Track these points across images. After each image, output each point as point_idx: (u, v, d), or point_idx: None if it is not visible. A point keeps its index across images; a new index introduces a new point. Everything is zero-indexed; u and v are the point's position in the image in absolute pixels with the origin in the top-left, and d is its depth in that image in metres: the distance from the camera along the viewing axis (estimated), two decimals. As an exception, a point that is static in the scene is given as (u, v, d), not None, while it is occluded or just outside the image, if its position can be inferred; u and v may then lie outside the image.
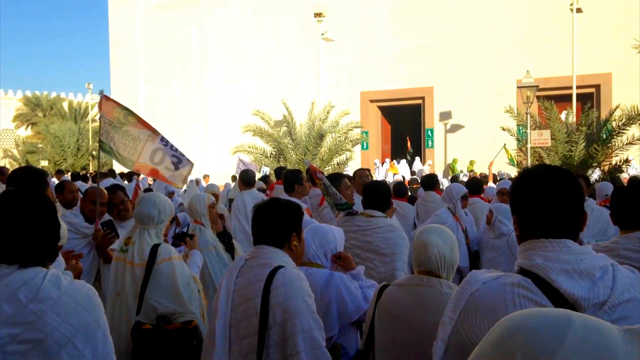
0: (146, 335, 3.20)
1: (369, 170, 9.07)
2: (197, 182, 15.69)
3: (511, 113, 15.08)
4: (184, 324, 3.31)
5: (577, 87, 17.75)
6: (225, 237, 4.80)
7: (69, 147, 33.66)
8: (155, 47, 27.04)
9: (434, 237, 2.53)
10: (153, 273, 3.36)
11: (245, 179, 7.38)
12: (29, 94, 44.00)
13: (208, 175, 20.16)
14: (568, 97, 17.80)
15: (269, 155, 17.52)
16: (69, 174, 20.28)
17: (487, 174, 15.59)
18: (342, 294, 2.93)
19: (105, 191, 4.86)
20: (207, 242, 4.58)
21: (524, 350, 0.84)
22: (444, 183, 14.35)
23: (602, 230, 5.63)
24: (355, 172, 7.46)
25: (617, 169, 13.51)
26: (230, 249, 4.76)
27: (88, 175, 18.79)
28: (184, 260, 3.76)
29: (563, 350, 0.82)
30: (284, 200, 2.81)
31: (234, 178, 15.28)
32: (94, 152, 30.36)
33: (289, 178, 6.12)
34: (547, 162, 13.41)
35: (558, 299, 1.52)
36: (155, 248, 3.41)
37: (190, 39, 26.37)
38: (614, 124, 13.77)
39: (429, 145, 23.26)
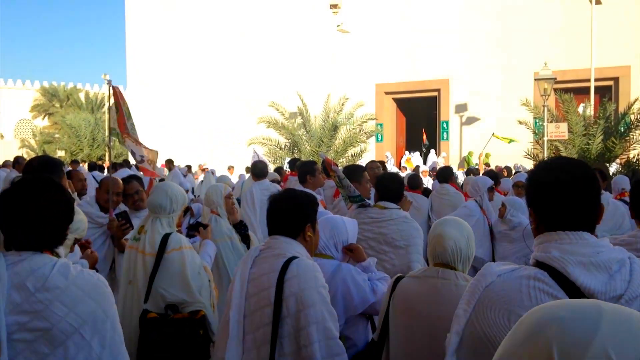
0: (152, 324, 3.23)
1: (381, 162, 9.04)
2: (213, 172, 15.78)
3: (528, 106, 14.93)
4: (192, 314, 3.33)
5: (595, 80, 17.50)
6: (241, 228, 4.82)
7: (85, 138, 34.01)
8: (172, 37, 27.09)
9: (451, 230, 2.51)
10: (162, 262, 3.38)
11: (255, 170, 7.39)
12: (46, 84, 44.36)
13: (232, 167, 20.27)
14: (586, 90, 17.57)
15: (283, 147, 17.54)
16: (85, 164, 20.47)
17: (502, 167, 15.48)
18: (348, 285, 2.91)
19: (120, 181, 4.90)
20: (222, 233, 4.59)
21: (559, 340, 0.84)
22: (459, 176, 14.28)
23: (617, 225, 5.58)
24: (366, 165, 7.45)
25: (635, 162, 13.33)
26: (246, 239, 4.78)
27: (104, 165, 18.97)
28: (197, 251, 3.79)
29: (598, 338, 0.82)
30: (299, 191, 2.81)
31: (247, 170, 15.35)
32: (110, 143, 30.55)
33: (302, 169, 6.12)
34: (564, 155, 13.27)
35: (574, 292, 1.50)
36: (165, 237, 3.44)
37: (206, 29, 26.39)
38: (632, 117, 13.59)
39: (444, 138, 23.11)
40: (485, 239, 5.93)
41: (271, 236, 2.61)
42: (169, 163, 17.16)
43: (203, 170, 19.89)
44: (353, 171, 5.42)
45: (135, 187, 4.94)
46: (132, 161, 17.70)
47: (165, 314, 3.32)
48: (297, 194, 2.70)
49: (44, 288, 1.82)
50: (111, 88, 5.00)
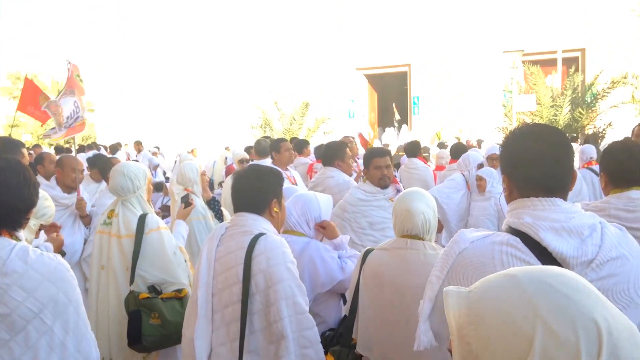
0: (146, 305, 3.18)
1: (353, 138, 9.04)
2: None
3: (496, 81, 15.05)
4: (176, 292, 3.30)
5: (563, 52, 17.70)
6: (214, 205, 4.80)
7: (52, 121, 33.13)
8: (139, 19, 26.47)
9: (420, 204, 2.52)
10: (142, 243, 3.33)
11: (258, 148, 7.19)
12: (11, 70, 43.10)
13: (195, 149, 19.99)
14: (553, 62, 17.78)
15: (255, 125, 17.43)
16: (52, 147, 20.03)
17: (472, 141, 15.63)
18: (316, 263, 2.90)
19: (80, 160, 4.83)
20: (197, 212, 4.60)
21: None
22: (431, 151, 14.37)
23: (576, 191, 5.68)
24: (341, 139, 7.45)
25: (603, 132, 13.61)
26: (219, 215, 4.76)
27: (70, 148, 18.57)
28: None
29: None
30: (263, 166, 2.77)
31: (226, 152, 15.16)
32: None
33: (263, 147, 6.13)
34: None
35: (546, 257, 1.51)
36: (142, 218, 3.38)
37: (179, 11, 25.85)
38: (598, 87, 13.82)
39: (416, 113, 23.21)
40: (466, 214, 6.00)
41: (236, 213, 2.56)
42: (138, 144, 16.90)
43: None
44: (336, 149, 5.37)
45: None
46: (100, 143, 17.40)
47: (154, 294, 3.27)
48: (262, 169, 2.65)
49: (1, 273, 1.77)
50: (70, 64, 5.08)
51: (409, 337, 2.32)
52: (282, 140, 6.23)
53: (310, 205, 3.06)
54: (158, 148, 19.13)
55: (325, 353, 2.54)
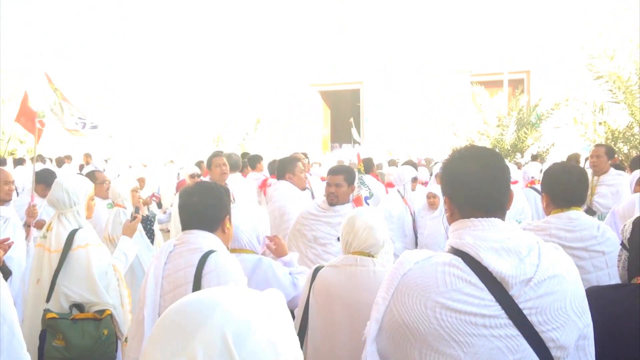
0: (51, 325, 3.07)
1: (305, 154, 9.08)
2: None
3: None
4: (97, 313, 3.20)
5: (509, 73, 18.32)
6: (146, 223, 4.76)
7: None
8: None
9: (369, 222, 2.56)
10: (67, 259, 3.23)
11: (230, 162, 7.08)
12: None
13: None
14: (499, 83, 18.36)
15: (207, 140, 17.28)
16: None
17: (422, 159, 15.90)
18: (269, 280, 2.88)
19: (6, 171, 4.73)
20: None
21: (229, 322, 0.90)
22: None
23: (519, 210, 5.85)
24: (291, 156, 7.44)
25: (545, 152, 14.10)
26: (150, 234, 4.70)
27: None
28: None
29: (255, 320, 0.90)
30: (213, 183, 2.76)
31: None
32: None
33: (234, 161, 6.22)
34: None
35: (487, 276, 1.54)
36: (72, 234, 3.28)
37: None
38: (542, 109, 14.34)
39: (368, 129, 23.45)
40: (409, 229, 6.03)
41: (185, 231, 2.51)
42: (87, 157, 16.43)
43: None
44: (287, 162, 5.43)
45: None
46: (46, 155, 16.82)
47: (68, 313, 3.16)
48: (213, 186, 2.62)
49: None
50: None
51: (357, 354, 2.34)
52: (214, 155, 6.15)
53: (259, 220, 3.05)
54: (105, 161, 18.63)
55: None
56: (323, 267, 2.65)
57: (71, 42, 23.75)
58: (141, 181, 6.53)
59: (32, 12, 23.67)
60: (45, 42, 23.54)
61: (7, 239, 3.52)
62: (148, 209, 6.53)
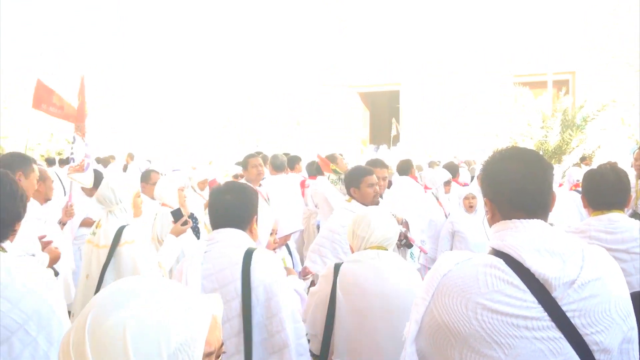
0: None
1: (341, 154, 9.12)
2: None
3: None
4: None
5: (553, 74, 17.89)
6: (192, 221, 4.80)
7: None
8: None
9: (385, 217, 2.76)
10: (115, 255, 3.33)
11: (276, 162, 7.12)
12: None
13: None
14: (544, 85, 17.96)
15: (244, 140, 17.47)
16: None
17: (464, 161, 15.71)
18: None
19: (45, 169, 4.86)
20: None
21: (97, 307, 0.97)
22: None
23: (562, 212, 5.71)
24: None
25: (591, 154, 13.74)
26: (196, 232, 4.76)
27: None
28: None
29: (124, 310, 0.95)
30: (240, 183, 2.85)
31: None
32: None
33: (280, 162, 6.31)
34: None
35: (529, 278, 1.53)
36: (120, 230, 3.39)
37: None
38: (588, 110, 13.97)
39: (407, 131, 23.28)
40: (446, 234, 5.92)
41: (216, 229, 2.56)
42: (129, 157, 16.85)
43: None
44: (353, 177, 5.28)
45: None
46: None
47: None
48: (244, 186, 2.69)
49: None
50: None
51: (388, 343, 2.40)
52: (250, 156, 6.18)
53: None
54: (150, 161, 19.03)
55: None
56: (342, 263, 2.76)
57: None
58: (211, 183, 6.57)
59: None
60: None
61: (45, 236, 3.65)
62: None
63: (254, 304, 2.37)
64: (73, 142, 4.87)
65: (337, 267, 2.72)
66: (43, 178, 4.57)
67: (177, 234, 3.90)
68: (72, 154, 4.86)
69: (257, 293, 2.37)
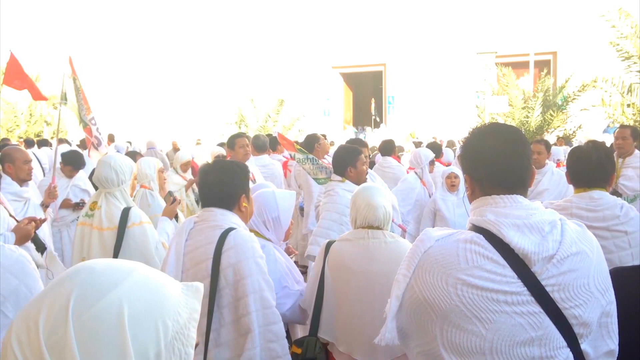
0: None
1: (324, 135, 9.08)
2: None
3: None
4: None
5: (535, 54, 17.98)
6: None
7: (22, 113, 32.48)
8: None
9: (380, 198, 2.68)
10: (124, 236, 3.31)
11: (257, 143, 7.04)
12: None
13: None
14: (526, 65, 18.04)
15: (230, 121, 17.35)
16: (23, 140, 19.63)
17: (444, 140, 15.78)
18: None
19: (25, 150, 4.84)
20: (159, 208, 4.53)
21: (81, 285, 0.89)
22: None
23: (562, 193, 5.77)
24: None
25: (572, 134, 13.88)
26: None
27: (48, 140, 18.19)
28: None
29: (118, 289, 0.89)
30: (229, 161, 2.78)
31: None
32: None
33: (262, 142, 6.31)
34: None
35: (509, 253, 1.53)
36: (126, 212, 3.36)
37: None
38: (569, 90, 14.08)
39: (390, 112, 23.34)
40: (428, 212, 5.97)
41: (205, 208, 2.57)
42: (109, 139, 16.64)
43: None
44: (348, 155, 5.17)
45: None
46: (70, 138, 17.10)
47: None
48: (229, 164, 2.65)
49: None
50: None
51: (372, 322, 2.41)
52: (237, 136, 6.12)
53: (267, 205, 2.94)
54: (130, 143, 18.81)
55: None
56: (334, 241, 2.75)
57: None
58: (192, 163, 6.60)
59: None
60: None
61: (36, 218, 3.60)
62: (193, 191, 6.60)
63: (222, 284, 2.36)
64: (95, 125, 5.23)
65: (328, 246, 2.73)
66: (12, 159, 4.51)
67: (171, 214, 3.91)
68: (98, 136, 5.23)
69: (225, 274, 2.36)
